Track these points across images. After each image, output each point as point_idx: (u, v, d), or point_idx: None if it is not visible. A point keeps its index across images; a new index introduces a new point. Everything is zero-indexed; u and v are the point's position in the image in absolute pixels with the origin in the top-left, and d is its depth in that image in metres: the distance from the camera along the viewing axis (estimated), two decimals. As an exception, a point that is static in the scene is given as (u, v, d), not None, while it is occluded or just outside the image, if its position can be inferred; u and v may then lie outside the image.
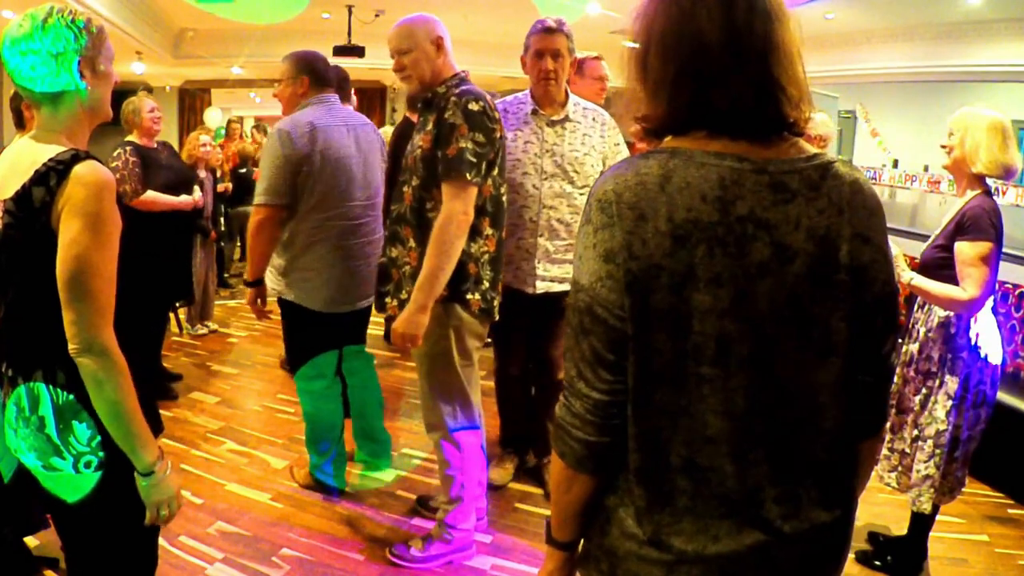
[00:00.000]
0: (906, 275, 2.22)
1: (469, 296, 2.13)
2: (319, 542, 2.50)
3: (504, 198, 2.21)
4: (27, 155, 1.24)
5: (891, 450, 2.36)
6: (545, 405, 2.91)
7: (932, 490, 2.24)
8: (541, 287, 2.64)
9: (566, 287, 2.61)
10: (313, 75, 2.60)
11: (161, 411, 2.42)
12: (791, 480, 0.87)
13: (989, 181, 2.17)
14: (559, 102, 2.62)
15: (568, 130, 2.62)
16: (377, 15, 8.18)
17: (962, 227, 2.11)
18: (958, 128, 2.16)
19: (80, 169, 1.20)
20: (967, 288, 2.08)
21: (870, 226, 0.86)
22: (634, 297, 0.83)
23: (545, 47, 2.54)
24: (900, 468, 2.33)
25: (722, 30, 0.82)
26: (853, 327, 0.86)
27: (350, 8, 8.11)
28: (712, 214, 0.81)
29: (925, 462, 2.24)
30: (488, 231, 2.14)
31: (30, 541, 2.24)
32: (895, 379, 2.33)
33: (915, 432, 2.28)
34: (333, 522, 2.63)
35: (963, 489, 2.32)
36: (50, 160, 1.21)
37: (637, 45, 0.90)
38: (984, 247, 2.06)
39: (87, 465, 1.27)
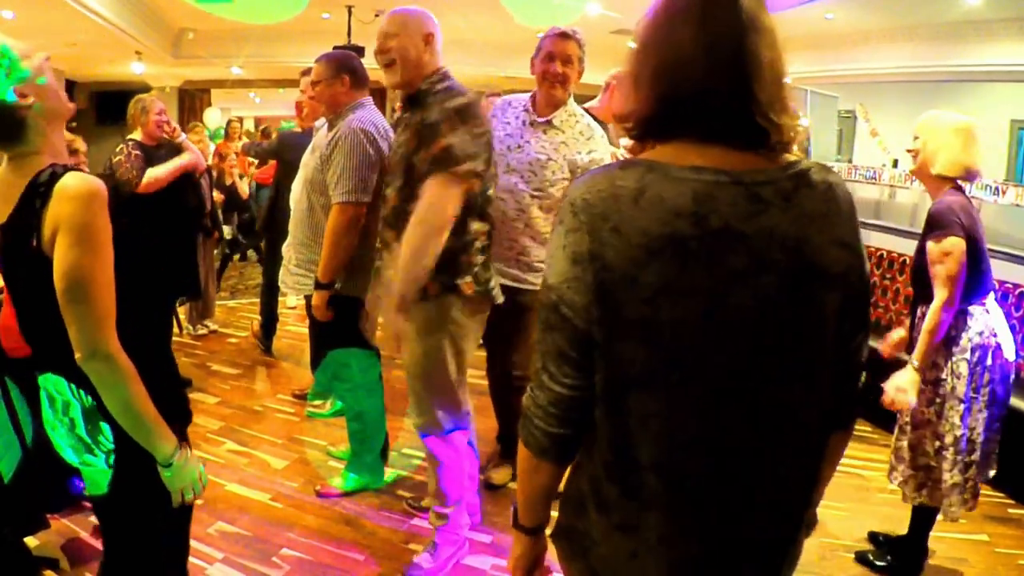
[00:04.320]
0: (908, 376, 2.14)
1: (459, 280, 2.08)
2: (319, 542, 2.50)
3: (491, 193, 2.16)
4: (9, 179, 1.25)
5: (915, 468, 2.27)
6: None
7: (962, 498, 2.21)
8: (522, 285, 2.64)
9: (507, 281, 2.56)
10: (352, 74, 2.63)
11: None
12: (762, 482, 0.90)
13: (991, 183, 2.17)
14: (552, 106, 2.62)
15: (547, 134, 2.61)
16: (377, 15, 8.16)
17: (929, 226, 2.12)
18: (922, 132, 2.17)
19: (62, 185, 1.21)
20: (937, 292, 2.09)
21: (844, 232, 0.88)
22: (606, 306, 0.85)
23: (557, 50, 2.55)
24: (930, 483, 2.26)
25: (701, 42, 0.85)
26: (826, 331, 0.88)
27: (350, 8, 8.10)
28: (686, 228, 0.82)
29: (950, 471, 2.20)
30: (475, 226, 2.09)
31: (30, 541, 2.24)
32: (891, 386, 2.33)
33: (936, 444, 2.22)
34: (333, 522, 2.63)
35: (975, 501, 2.28)
36: (31, 184, 1.22)
37: (633, 57, 0.93)
38: (948, 243, 2.06)
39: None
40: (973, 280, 2.12)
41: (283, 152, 4.16)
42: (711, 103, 0.85)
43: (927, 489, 2.27)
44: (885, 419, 2.44)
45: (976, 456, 2.20)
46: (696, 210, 0.83)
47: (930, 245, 2.10)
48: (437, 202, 1.95)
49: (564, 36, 2.55)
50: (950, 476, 2.20)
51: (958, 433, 2.18)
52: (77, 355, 1.22)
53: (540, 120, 2.62)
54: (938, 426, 2.22)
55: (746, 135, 0.86)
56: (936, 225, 2.09)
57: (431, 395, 2.20)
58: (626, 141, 4.15)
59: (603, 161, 2.69)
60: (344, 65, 2.64)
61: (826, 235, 0.86)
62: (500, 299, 2.22)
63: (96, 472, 1.35)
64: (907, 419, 2.31)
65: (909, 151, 2.21)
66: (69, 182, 1.21)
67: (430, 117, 1.99)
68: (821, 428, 0.93)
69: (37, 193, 1.21)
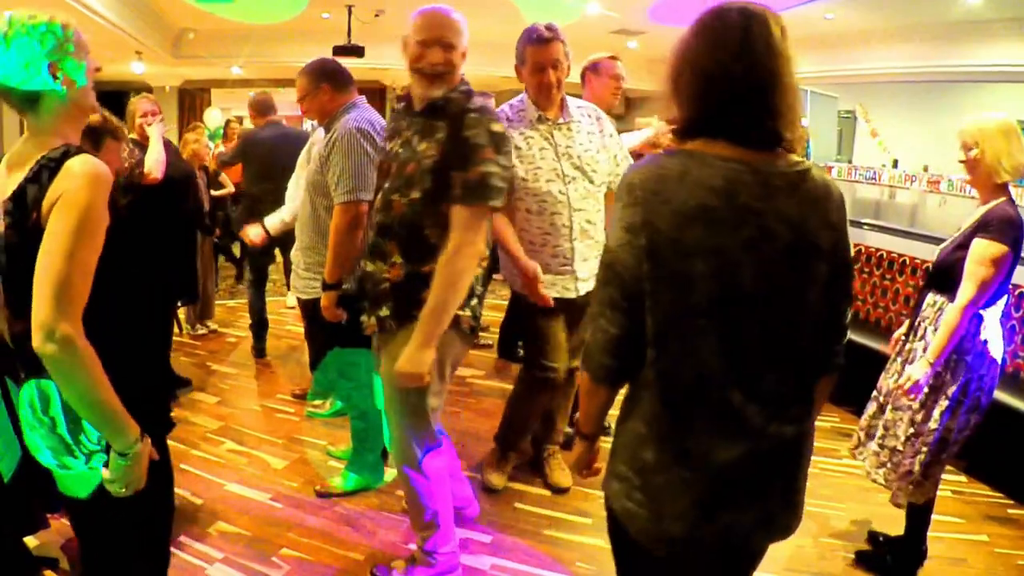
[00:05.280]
0: (920, 368, 2.17)
1: (460, 312, 1.98)
2: (319, 542, 2.50)
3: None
4: (22, 156, 1.26)
5: (881, 447, 2.37)
6: (562, 395, 2.87)
7: (910, 487, 2.26)
8: (583, 288, 2.62)
9: (591, 285, 2.61)
10: (331, 80, 2.63)
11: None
12: (776, 402, 1.15)
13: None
14: (560, 106, 2.61)
15: (575, 130, 2.61)
16: (377, 15, 8.17)
17: (985, 226, 2.11)
18: (975, 140, 2.13)
19: (71, 163, 1.21)
20: (965, 290, 2.09)
21: (834, 217, 1.15)
22: (653, 263, 1.08)
23: (544, 59, 2.48)
24: (889, 465, 2.33)
25: (741, 64, 1.08)
26: (814, 293, 1.13)
27: (350, 8, 8.10)
28: (716, 201, 1.07)
29: (911, 458, 2.26)
30: (486, 251, 2.03)
31: (30, 541, 2.24)
32: (895, 378, 2.36)
33: (910, 430, 2.28)
34: (333, 522, 2.63)
35: (936, 491, 2.34)
36: (42, 158, 1.22)
37: (672, 66, 1.16)
38: (999, 249, 2.06)
39: (98, 462, 1.30)
40: (997, 289, 2.13)
41: (248, 150, 4.30)
42: (743, 112, 1.09)
43: (885, 470, 2.35)
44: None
45: (945, 455, 2.25)
46: (726, 188, 1.07)
47: (980, 243, 2.09)
48: (474, 237, 1.88)
49: (546, 42, 2.46)
50: (909, 463, 2.26)
51: (933, 426, 2.22)
52: (34, 336, 1.16)
53: (563, 121, 2.59)
54: (916, 414, 2.26)
55: (762, 139, 1.11)
56: (994, 229, 2.08)
57: (409, 423, 2.08)
58: (645, 122, 4.16)
59: (615, 139, 2.74)
60: (321, 74, 2.64)
61: (820, 218, 1.13)
62: (478, 334, 2.13)
63: (74, 476, 1.31)
64: (885, 399, 2.38)
65: (963, 162, 2.17)
66: (79, 161, 1.21)
67: (474, 136, 1.87)
68: (809, 365, 1.19)
69: (47, 167, 1.21)
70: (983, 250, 2.08)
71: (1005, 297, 2.21)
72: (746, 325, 1.10)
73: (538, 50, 2.48)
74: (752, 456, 1.15)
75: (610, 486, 1.26)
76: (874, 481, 2.40)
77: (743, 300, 1.09)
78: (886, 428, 2.36)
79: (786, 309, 1.12)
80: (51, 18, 1.27)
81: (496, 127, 1.91)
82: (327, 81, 2.63)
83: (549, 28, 2.47)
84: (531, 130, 2.56)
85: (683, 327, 1.10)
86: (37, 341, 1.16)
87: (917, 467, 2.24)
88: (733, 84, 1.08)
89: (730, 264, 1.07)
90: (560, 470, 2.94)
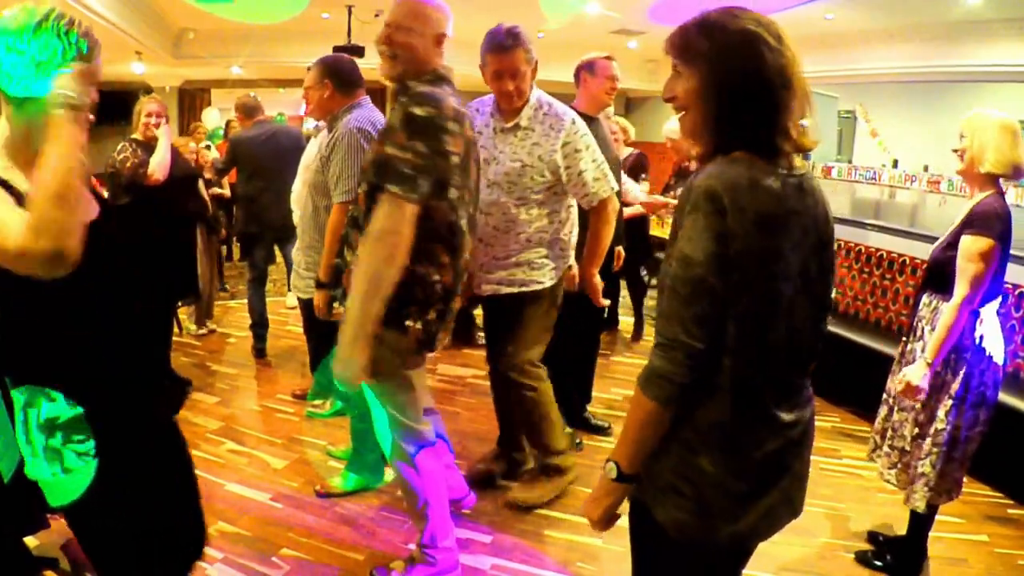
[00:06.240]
0: (918, 369, 2.19)
1: (408, 323, 1.90)
2: (319, 542, 2.50)
3: (463, 223, 1.96)
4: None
5: (891, 447, 2.37)
6: (520, 407, 2.72)
7: (926, 488, 2.25)
8: (488, 289, 2.58)
9: (514, 289, 2.56)
10: (335, 79, 2.64)
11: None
12: (798, 391, 1.25)
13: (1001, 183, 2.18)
14: (515, 111, 2.50)
15: (518, 138, 2.49)
16: (377, 15, 8.16)
17: (970, 222, 2.13)
18: (968, 130, 2.17)
19: None
20: (959, 288, 2.10)
21: (828, 210, 1.26)
22: (738, 271, 1.11)
23: (503, 68, 2.39)
24: (900, 465, 2.34)
25: (792, 78, 1.13)
26: (825, 282, 1.25)
27: (350, 8, 8.09)
28: (775, 207, 1.13)
29: (922, 460, 2.25)
30: (443, 259, 1.91)
31: (30, 541, 2.24)
32: (900, 380, 2.36)
33: (915, 430, 2.28)
34: (333, 522, 2.63)
35: (961, 492, 2.32)
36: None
37: (706, 75, 1.15)
38: (985, 243, 2.07)
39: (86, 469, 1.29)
40: (990, 284, 2.14)
41: (238, 151, 4.35)
42: (787, 118, 1.14)
43: (896, 471, 2.36)
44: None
45: (958, 453, 2.24)
46: (780, 194, 1.14)
47: (967, 240, 2.10)
48: (388, 225, 1.75)
49: (504, 49, 2.37)
50: (920, 464, 2.26)
51: (940, 427, 2.22)
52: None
53: (508, 126, 2.50)
54: (920, 414, 2.26)
55: (794, 145, 1.18)
56: (979, 224, 2.10)
57: (398, 426, 2.11)
58: (673, 126, 4.07)
59: (582, 154, 2.48)
60: (327, 71, 2.65)
61: (823, 212, 1.24)
62: (434, 350, 2.03)
63: (58, 484, 1.29)
64: (893, 401, 2.39)
65: (955, 151, 2.20)
66: None
67: (392, 119, 1.85)
68: (813, 353, 1.27)
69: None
70: (970, 246, 2.10)
71: (1001, 296, 2.21)
72: (790, 320, 1.17)
73: (497, 58, 2.40)
74: (786, 445, 1.22)
75: (652, 495, 1.24)
76: (887, 482, 2.39)
77: (788, 298, 1.16)
78: (894, 429, 2.37)
79: (812, 300, 1.21)
80: (87, 32, 1.21)
81: (419, 111, 1.78)
82: (332, 79, 2.64)
83: (511, 34, 2.37)
84: (483, 127, 2.54)
85: (751, 332, 1.14)
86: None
87: (929, 468, 2.24)
88: (778, 98, 1.12)
89: (783, 265, 1.14)
90: (521, 489, 2.82)
